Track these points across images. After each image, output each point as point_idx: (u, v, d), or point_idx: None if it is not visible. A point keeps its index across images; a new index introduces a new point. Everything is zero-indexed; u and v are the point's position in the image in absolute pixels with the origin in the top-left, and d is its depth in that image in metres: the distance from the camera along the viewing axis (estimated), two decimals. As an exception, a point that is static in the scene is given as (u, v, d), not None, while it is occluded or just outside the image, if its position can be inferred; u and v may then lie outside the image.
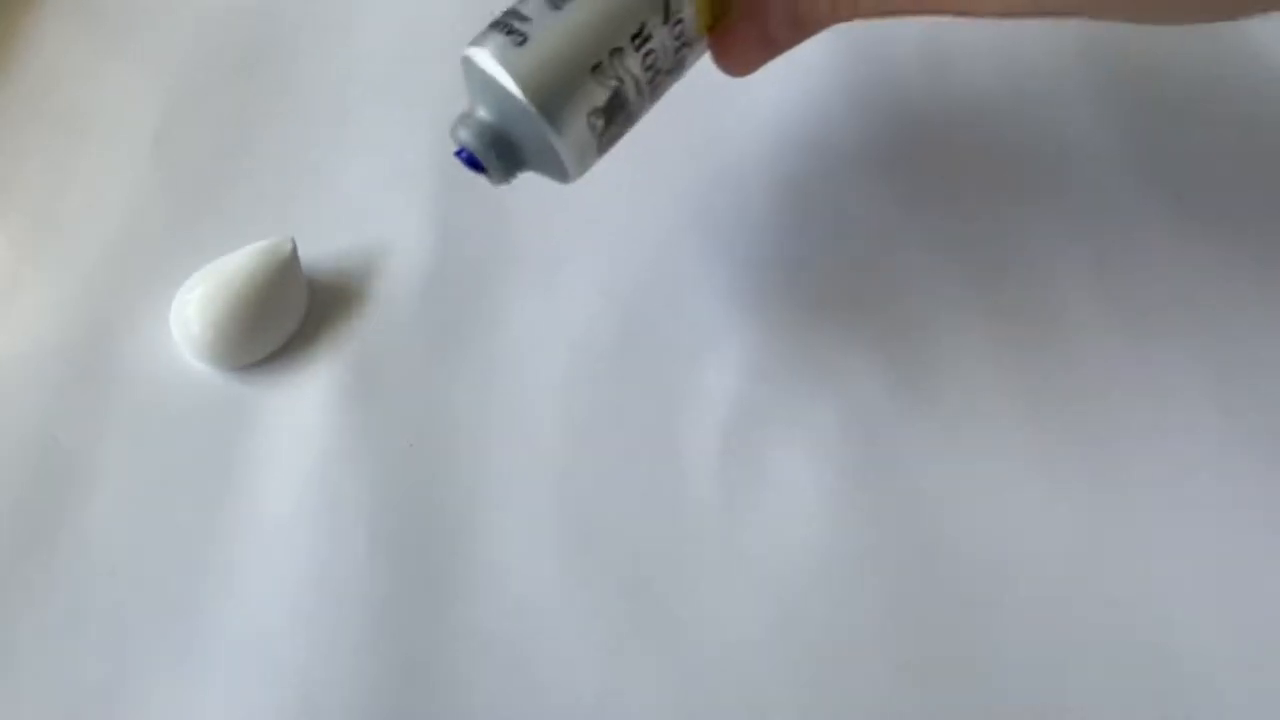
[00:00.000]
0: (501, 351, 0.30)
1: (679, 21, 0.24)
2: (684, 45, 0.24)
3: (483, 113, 0.24)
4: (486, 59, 0.23)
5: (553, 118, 0.23)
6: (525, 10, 0.23)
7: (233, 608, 0.26)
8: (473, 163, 0.24)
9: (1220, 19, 0.24)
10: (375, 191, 0.33)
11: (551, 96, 0.22)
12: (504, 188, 0.34)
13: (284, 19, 0.38)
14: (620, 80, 0.23)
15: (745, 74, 0.26)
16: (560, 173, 0.24)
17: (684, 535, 0.27)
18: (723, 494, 0.27)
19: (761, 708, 0.24)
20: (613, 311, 0.31)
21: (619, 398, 0.29)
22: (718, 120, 0.35)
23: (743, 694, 0.24)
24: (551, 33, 0.22)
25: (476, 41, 0.23)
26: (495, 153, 0.24)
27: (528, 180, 0.33)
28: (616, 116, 0.24)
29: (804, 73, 0.36)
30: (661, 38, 0.24)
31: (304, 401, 0.29)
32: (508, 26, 0.23)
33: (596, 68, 0.23)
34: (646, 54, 0.23)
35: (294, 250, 0.30)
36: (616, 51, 0.23)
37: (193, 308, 0.29)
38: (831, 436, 0.28)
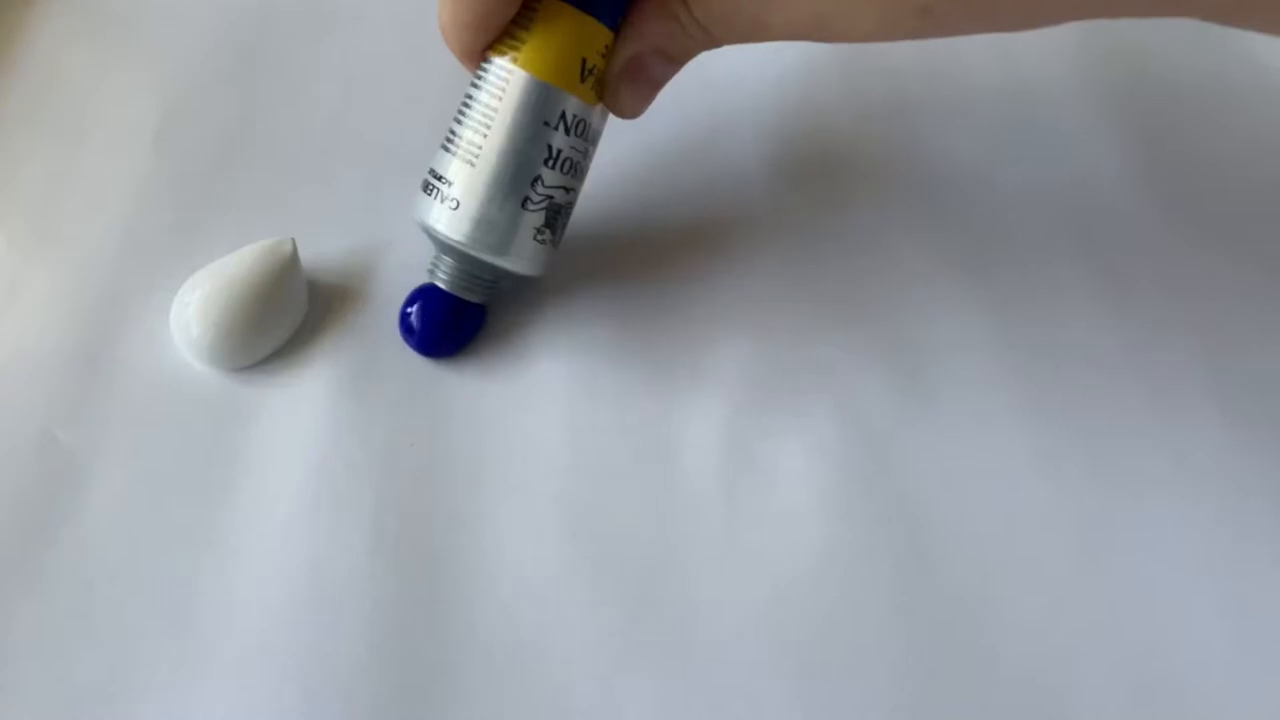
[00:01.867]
0: (501, 351, 0.30)
1: (577, 120, 0.26)
2: (586, 127, 0.27)
3: (450, 260, 0.28)
4: (433, 228, 0.27)
5: (505, 257, 0.27)
6: (446, 174, 0.26)
7: (233, 608, 0.26)
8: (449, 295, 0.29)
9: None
10: (375, 191, 0.33)
11: (498, 244, 0.26)
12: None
13: (284, 19, 0.38)
14: (550, 195, 0.27)
15: (637, 115, 0.28)
16: (527, 280, 0.29)
17: (684, 535, 0.27)
18: (722, 493, 0.27)
19: (761, 707, 0.24)
20: (613, 311, 0.31)
21: (619, 397, 0.29)
22: (717, 120, 0.35)
23: (742, 693, 0.24)
24: (476, 193, 0.26)
25: (421, 210, 0.27)
26: (469, 289, 0.28)
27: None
28: (557, 219, 0.28)
29: (805, 75, 0.36)
30: (568, 141, 0.26)
31: (304, 402, 0.29)
32: (439, 193, 0.26)
33: (525, 201, 0.26)
34: (562, 163, 0.27)
35: (294, 250, 0.30)
36: (536, 180, 0.26)
37: (193, 308, 0.29)
38: (831, 436, 0.28)
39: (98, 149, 0.34)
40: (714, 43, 0.26)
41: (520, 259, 0.27)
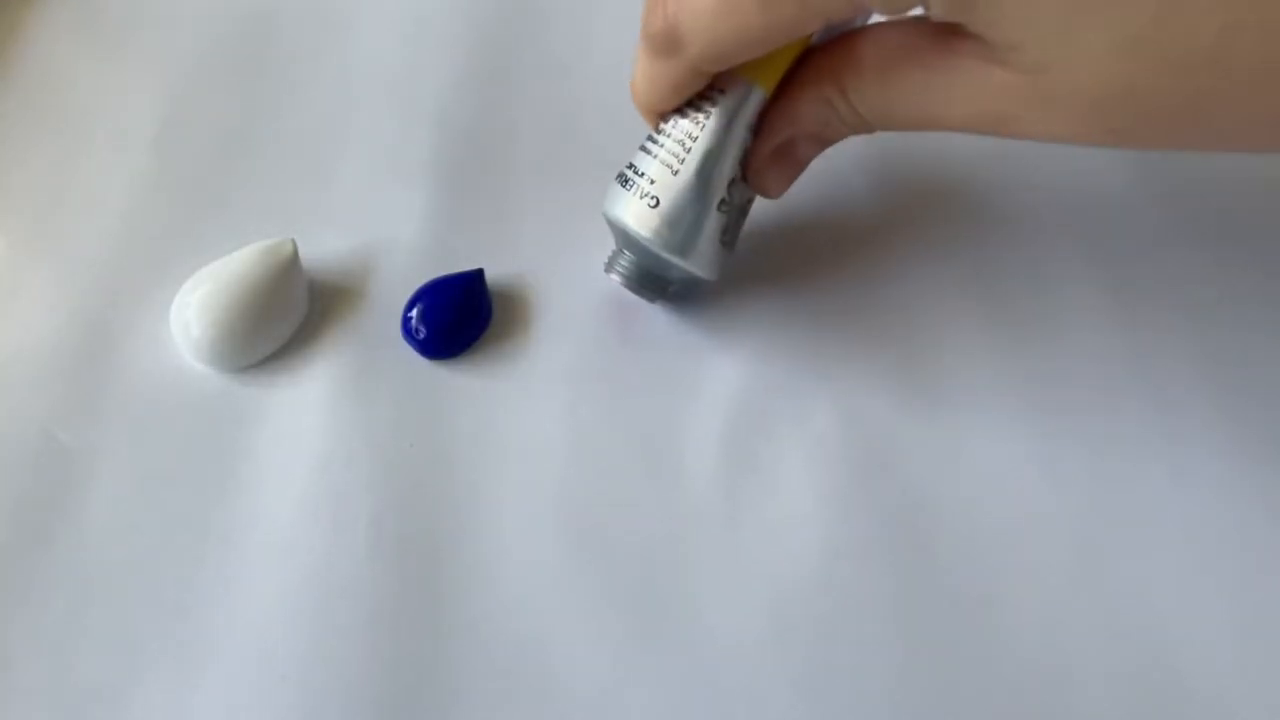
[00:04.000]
0: (501, 351, 0.30)
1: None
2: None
3: (630, 255, 0.28)
4: (625, 223, 0.27)
5: (689, 258, 0.27)
6: (649, 171, 0.26)
7: (233, 608, 0.26)
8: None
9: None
10: (375, 191, 0.33)
11: (689, 246, 0.27)
12: (503, 186, 0.34)
13: (284, 19, 0.38)
14: (736, 200, 0.27)
15: (781, 195, 0.28)
16: (702, 282, 0.29)
17: (684, 535, 0.27)
18: (723, 494, 0.27)
19: (761, 707, 0.24)
20: (614, 311, 0.31)
21: (619, 397, 0.29)
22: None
23: (743, 693, 0.24)
24: (674, 193, 0.26)
25: (614, 203, 0.27)
26: (644, 285, 0.29)
27: (527, 180, 0.33)
28: (739, 223, 0.28)
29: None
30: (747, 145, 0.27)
31: (304, 402, 0.29)
32: (637, 188, 0.26)
33: (721, 204, 0.26)
34: (741, 161, 0.27)
35: (295, 251, 0.30)
36: (732, 183, 0.27)
37: (193, 309, 0.29)
38: (831, 437, 0.28)
39: (97, 149, 0.34)
40: (869, 130, 0.25)
41: (702, 260, 0.27)
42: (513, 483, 0.28)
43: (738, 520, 0.27)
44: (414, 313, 0.29)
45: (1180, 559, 0.26)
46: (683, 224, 0.26)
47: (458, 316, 0.29)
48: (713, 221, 0.27)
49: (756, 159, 0.27)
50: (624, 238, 0.28)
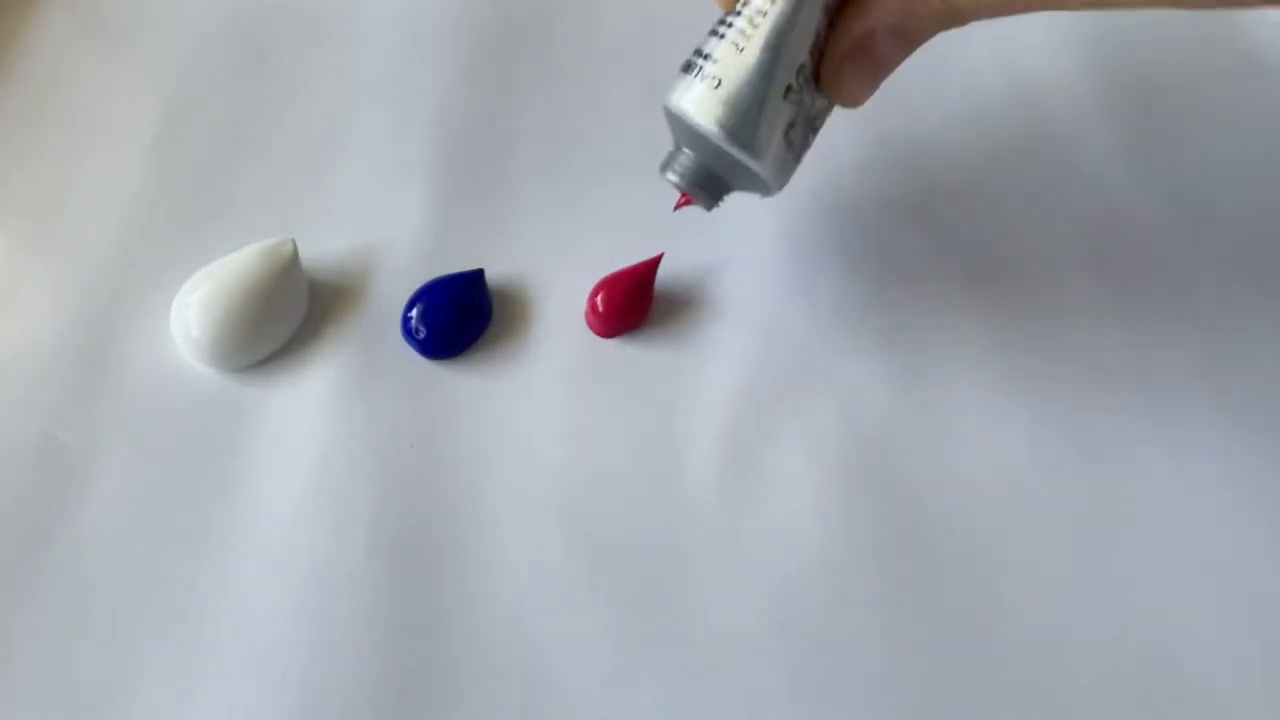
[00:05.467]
0: (501, 351, 0.30)
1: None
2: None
3: (689, 153, 0.26)
4: (684, 109, 0.24)
5: (754, 151, 0.24)
6: (714, 54, 0.24)
7: (233, 608, 0.26)
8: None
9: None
10: (375, 191, 0.33)
11: (751, 134, 0.24)
12: (503, 186, 0.34)
13: (284, 19, 0.38)
14: (805, 93, 0.25)
15: (860, 103, 0.25)
16: (764, 189, 0.26)
17: (684, 534, 0.27)
18: (723, 493, 0.27)
19: (762, 706, 0.24)
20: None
21: (619, 397, 0.29)
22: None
23: (743, 692, 0.24)
24: (744, 73, 0.24)
25: (675, 90, 0.25)
26: (702, 187, 0.26)
27: (527, 181, 0.33)
28: (808, 126, 0.26)
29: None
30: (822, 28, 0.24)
31: (304, 402, 0.29)
32: (700, 70, 0.24)
33: (787, 91, 0.24)
34: (814, 53, 0.24)
35: (294, 251, 0.30)
36: (800, 69, 0.24)
37: (193, 309, 0.29)
38: (831, 437, 0.28)
39: (98, 149, 0.34)
40: (956, 19, 0.23)
41: (764, 155, 0.24)
42: (513, 482, 0.28)
43: (737, 520, 0.27)
44: (414, 313, 0.29)
45: (1180, 557, 0.26)
46: (746, 107, 0.24)
47: (458, 316, 0.29)
48: (779, 110, 0.24)
49: (833, 52, 0.24)
50: (683, 130, 0.25)
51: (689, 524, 0.27)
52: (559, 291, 0.31)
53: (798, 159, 0.26)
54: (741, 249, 0.32)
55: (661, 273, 0.31)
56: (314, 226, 0.32)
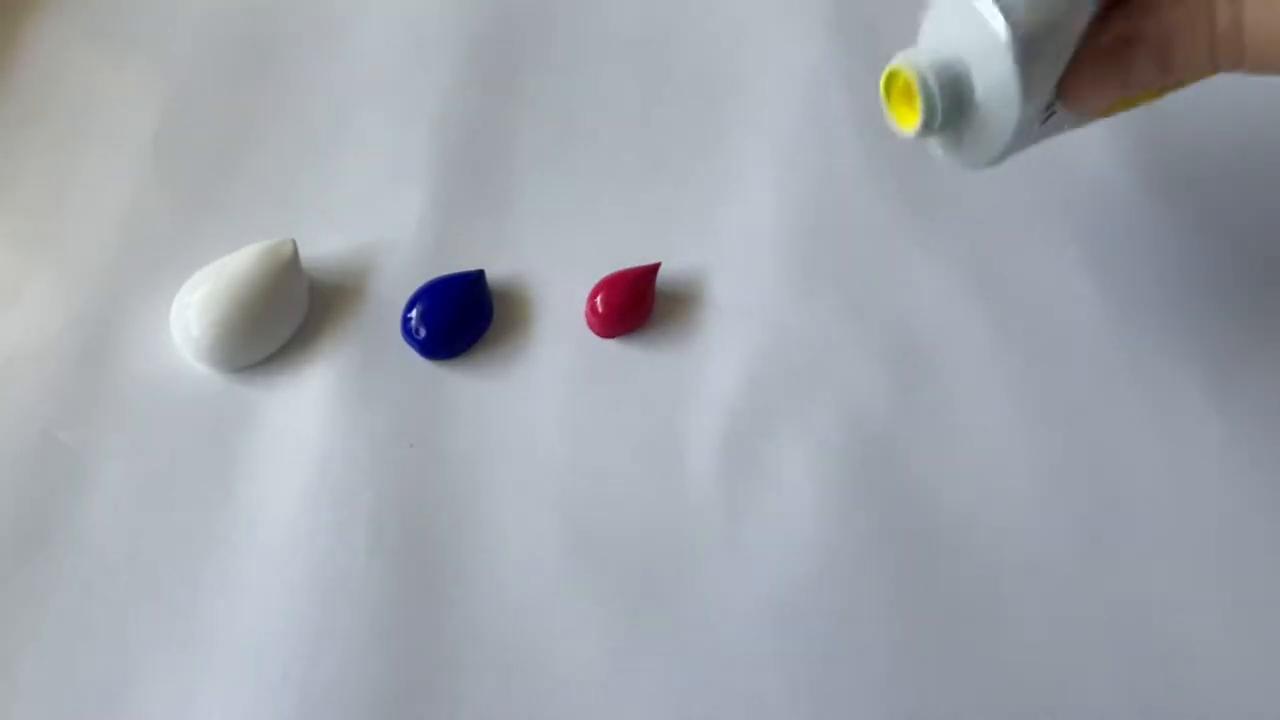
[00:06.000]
0: (501, 351, 0.30)
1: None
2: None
3: (950, 46, 0.22)
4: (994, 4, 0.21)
5: (1028, 73, 0.21)
6: None
7: (233, 608, 0.26)
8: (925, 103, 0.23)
9: None
10: (375, 191, 0.33)
11: (1041, 50, 0.21)
12: (504, 187, 0.34)
13: (284, 19, 0.38)
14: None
15: (1084, 111, 0.23)
16: (988, 149, 0.23)
17: (684, 534, 0.27)
18: (723, 493, 0.27)
19: (762, 706, 0.24)
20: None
21: (620, 397, 0.29)
22: (719, 119, 0.35)
23: (743, 692, 0.25)
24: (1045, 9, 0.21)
25: None
26: (944, 96, 0.22)
27: (528, 181, 0.33)
28: (1044, 114, 0.23)
29: (807, 77, 0.36)
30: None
31: (304, 402, 0.29)
32: None
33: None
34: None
35: (294, 251, 0.30)
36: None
37: (193, 309, 0.29)
38: (831, 436, 0.28)
39: (97, 149, 0.34)
40: (1229, 64, 0.21)
41: (1026, 104, 0.22)
42: (513, 482, 0.28)
43: (738, 519, 0.27)
44: (414, 313, 0.29)
45: (1180, 556, 0.26)
46: (1047, 20, 0.21)
47: (458, 317, 0.29)
48: (1063, 56, 0.22)
49: (1089, 47, 0.22)
50: (960, 27, 0.22)
51: (689, 523, 0.27)
52: (559, 292, 0.31)
53: (1034, 137, 0.23)
54: (742, 249, 0.32)
55: (661, 273, 0.31)
56: (314, 226, 0.32)
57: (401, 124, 0.35)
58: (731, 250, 0.32)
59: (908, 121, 0.23)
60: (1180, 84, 0.22)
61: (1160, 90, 0.23)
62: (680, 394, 0.29)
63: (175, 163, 0.34)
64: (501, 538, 0.27)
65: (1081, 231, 0.32)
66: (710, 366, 0.29)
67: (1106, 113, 0.23)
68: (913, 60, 0.23)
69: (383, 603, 0.26)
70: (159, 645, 0.25)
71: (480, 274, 0.30)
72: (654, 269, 0.30)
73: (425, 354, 0.29)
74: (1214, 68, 0.21)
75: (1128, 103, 0.23)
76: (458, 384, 0.29)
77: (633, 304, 0.30)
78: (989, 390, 0.29)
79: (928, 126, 0.23)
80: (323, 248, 0.32)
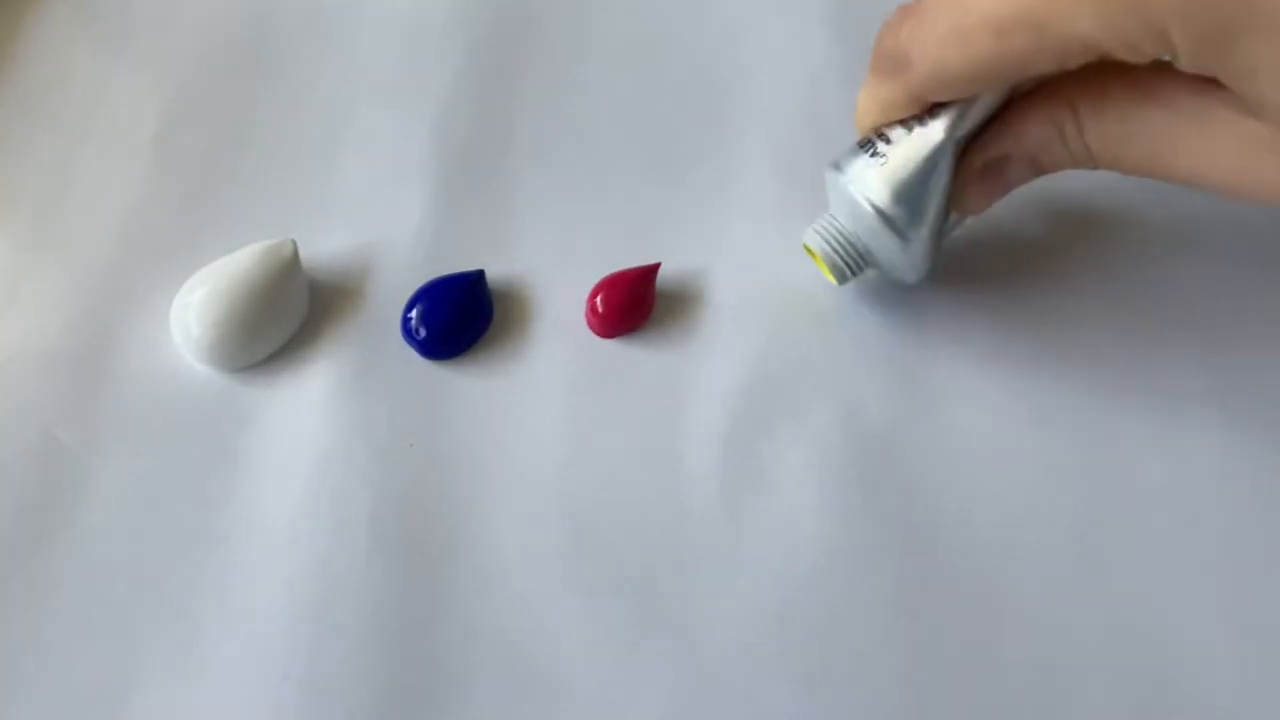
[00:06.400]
0: (501, 351, 0.30)
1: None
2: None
3: (839, 220, 0.27)
4: (847, 181, 0.26)
5: (903, 237, 0.26)
6: (892, 136, 0.25)
7: (233, 608, 0.26)
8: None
9: None
10: (375, 191, 0.33)
11: (906, 221, 0.25)
12: (504, 186, 0.34)
13: (284, 19, 0.38)
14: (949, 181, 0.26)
15: (979, 214, 0.27)
16: (907, 272, 0.27)
17: (684, 535, 0.27)
18: (723, 493, 0.27)
19: (762, 705, 0.24)
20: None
21: (620, 397, 0.29)
22: (720, 119, 0.35)
23: (743, 692, 0.25)
24: (908, 153, 0.25)
25: (840, 162, 0.26)
26: (840, 258, 0.27)
27: (528, 180, 0.33)
28: (942, 225, 0.27)
29: (807, 77, 0.36)
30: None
31: (304, 402, 0.29)
32: (875, 149, 0.26)
33: (941, 196, 0.26)
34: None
35: (294, 251, 0.30)
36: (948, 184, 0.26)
37: (193, 309, 0.29)
38: (831, 437, 0.28)
39: (98, 149, 0.34)
40: (1089, 165, 0.24)
41: (911, 248, 0.26)
42: (513, 483, 0.28)
43: (738, 519, 0.27)
44: (414, 313, 0.29)
45: (1180, 556, 0.26)
46: (909, 196, 0.25)
47: (458, 317, 0.29)
48: (938, 205, 0.26)
49: (965, 170, 0.26)
50: (839, 197, 0.27)
51: (689, 523, 0.27)
52: (559, 292, 0.31)
53: (937, 251, 0.27)
54: (742, 249, 0.32)
55: (661, 273, 0.31)
56: (314, 226, 0.32)
57: (401, 124, 0.35)
58: (731, 250, 0.32)
59: (830, 276, 0.28)
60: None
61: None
62: (680, 394, 0.29)
63: (175, 163, 0.34)
64: (501, 537, 0.27)
65: (1082, 230, 0.32)
66: (710, 366, 0.29)
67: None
68: (811, 239, 0.28)
69: (383, 602, 0.26)
70: (159, 645, 0.25)
71: (480, 274, 0.30)
72: (654, 269, 0.30)
73: (425, 354, 0.29)
74: (1079, 168, 0.25)
75: None
76: (458, 384, 0.29)
77: (633, 304, 0.30)
78: (988, 390, 0.29)
79: (844, 280, 0.28)
80: (323, 248, 0.32)
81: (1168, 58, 0.20)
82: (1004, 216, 0.32)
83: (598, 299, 0.30)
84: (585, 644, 0.25)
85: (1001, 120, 0.25)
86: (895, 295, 0.31)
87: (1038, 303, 0.30)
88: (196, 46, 0.37)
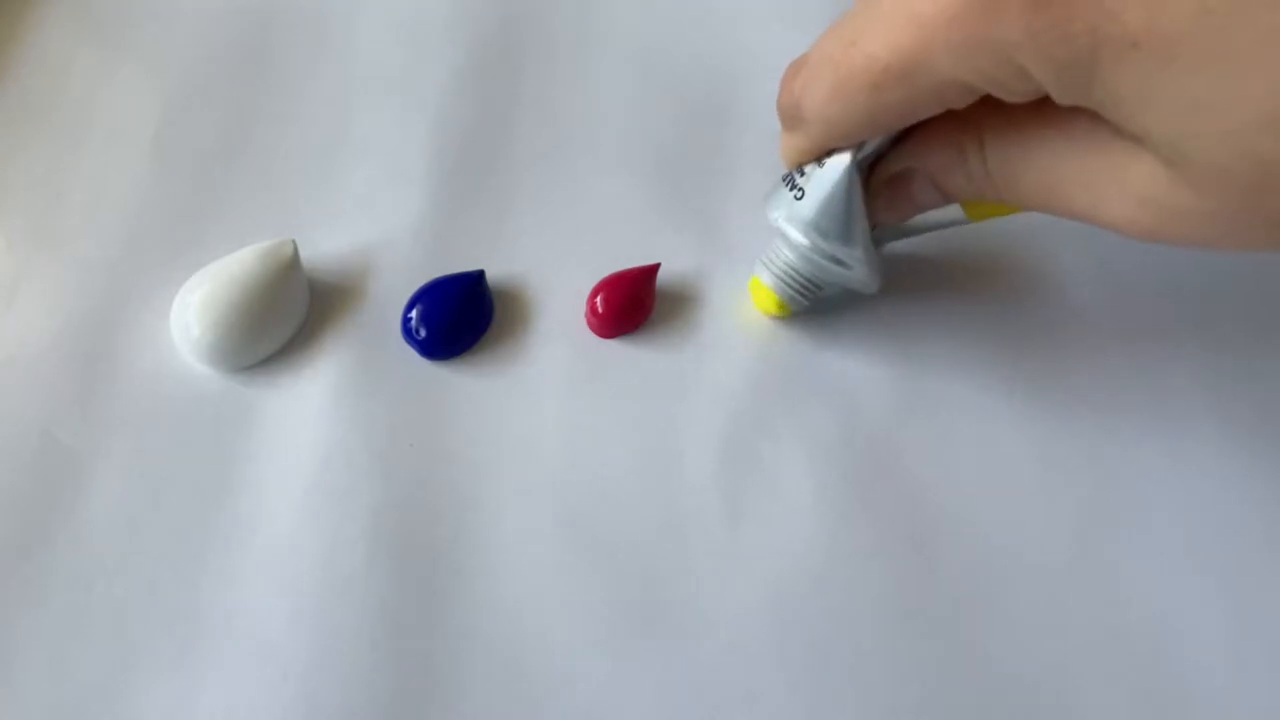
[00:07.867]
0: (501, 351, 0.30)
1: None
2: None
3: (785, 255, 0.28)
4: (777, 217, 0.27)
5: (847, 244, 0.26)
6: (806, 169, 0.26)
7: (233, 608, 0.26)
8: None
9: None
10: (375, 191, 0.33)
11: (841, 232, 0.26)
12: (504, 187, 0.34)
13: (284, 19, 0.38)
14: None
15: (894, 223, 0.28)
16: (861, 287, 0.28)
17: (684, 533, 0.27)
18: (723, 493, 0.27)
19: (761, 705, 0.24)
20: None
21: (620, 397, 0.29)
22: (720, 119, 0.35)
23: (742, 692, 0.25)
24: (821, 184, 0.26)
25: (769, 200, 0.27)
26: (795, 289, 0.28)
27: (528, 181, 0.33)
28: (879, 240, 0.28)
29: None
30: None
31: (304, 403, 0.29)
32: (793, 182, 0.26)
33: (865, 206, 0.26)
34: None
35: (295, 251, 0.30)
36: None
37: (193, 310, 0.29)
38: (831, 437, 0.28)
39: (98, 149, 0.34)
40: (989, 195, 0.24)
41: (852, 270, 0.27)
42: (513, 483, 0.28)
43: (738, 519, 0.27)
44: (414, 313, 0.29)
45: (1179, 557, 0.26)
46: (829, 217, 0.26)
47: (458, 317, 0.29)
48: (861, 219, 0.26)
49: (874, 182, 0.26)
50: (778, 233, 0.28)
51: (689, 523, 0.27)
52: (559, 292, 0.31)
53: (877, 265, 0.28)
54: (741, 249, 0.32)
55: (661, 273, 0.31)
56: (314, 226, 0.32)
57: (401, 124, 0.35)
58: (731, 250, 0.32)
59: (781, 311, 0.29)
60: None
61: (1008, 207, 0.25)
62: (680, 394, 0.29)
63: (175, 162, 0.34)
64: (501, 537, 0.27)
65: (1082, 230, 0.32)
66: (710, 366, 0.29)
67: (981, 217, 0.27)
68: (764, 276, 0.29)
69: (383, 602, 0.26)
70: (159, 645, 0.25)
71: (480, 274, 0.30)
72: (654, 269, 0.30)
73: (425, 354, 0.29)
74: (984, 197, 0.24)
75: (998, 209, 0.26)
76: (458, 384, 0.29)
77: (633, 304, 0.30)
78: (988, 389, 0.29)
79: (799, 309, 0.29)
80: (323, 248, 0.32)
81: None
82: (1003, 218, 0.32)
83: (598, 299, 0.30)
84: (585, 643, 0.25)
85: (909, 137, 0.25)
86: (895, 295, 0.31)
87: (1037, 302, 0.30)
88: (196, 46, 0.37)
